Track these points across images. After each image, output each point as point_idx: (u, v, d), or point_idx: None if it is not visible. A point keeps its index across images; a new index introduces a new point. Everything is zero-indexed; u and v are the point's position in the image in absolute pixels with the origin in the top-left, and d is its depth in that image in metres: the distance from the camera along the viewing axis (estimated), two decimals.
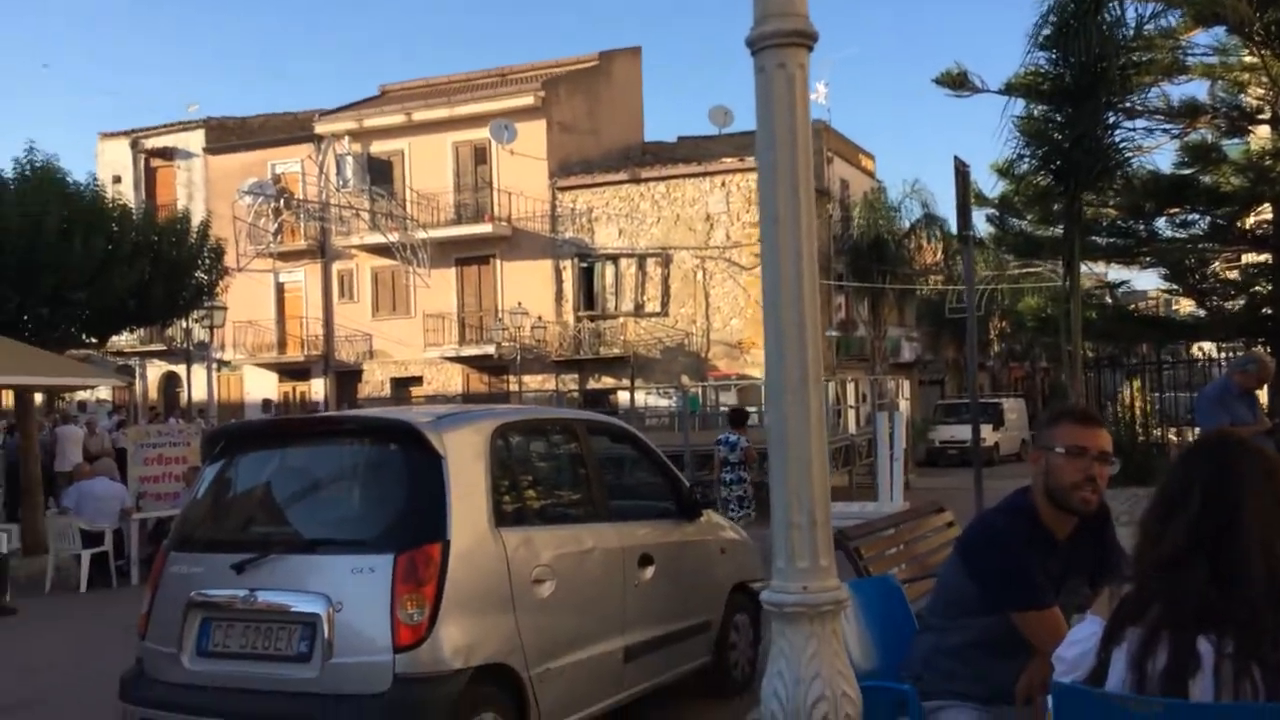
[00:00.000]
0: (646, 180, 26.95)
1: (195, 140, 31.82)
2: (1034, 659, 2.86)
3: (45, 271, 13.05)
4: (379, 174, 28.93)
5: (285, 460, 4.91)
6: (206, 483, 4.86)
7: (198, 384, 28.08)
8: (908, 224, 28.52)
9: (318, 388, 30.42)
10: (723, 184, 26.31)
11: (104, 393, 27.94)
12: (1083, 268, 15.08)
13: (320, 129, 29.78)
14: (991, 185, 15.85)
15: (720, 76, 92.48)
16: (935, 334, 35.17)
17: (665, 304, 26.71)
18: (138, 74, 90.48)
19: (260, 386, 31.09)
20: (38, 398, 16.71)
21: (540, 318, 27.38)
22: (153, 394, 31.67)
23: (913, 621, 3.73)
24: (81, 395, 25.42)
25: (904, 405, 22.70)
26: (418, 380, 29.16)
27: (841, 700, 2.25)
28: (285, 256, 29.80)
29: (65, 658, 8.29)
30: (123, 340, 26.23)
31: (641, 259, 26.88)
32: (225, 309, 21.58)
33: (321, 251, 29.91)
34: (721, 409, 24.70)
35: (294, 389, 30.95)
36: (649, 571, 5.43)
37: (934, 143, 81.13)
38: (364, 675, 4.05)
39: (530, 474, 5.25)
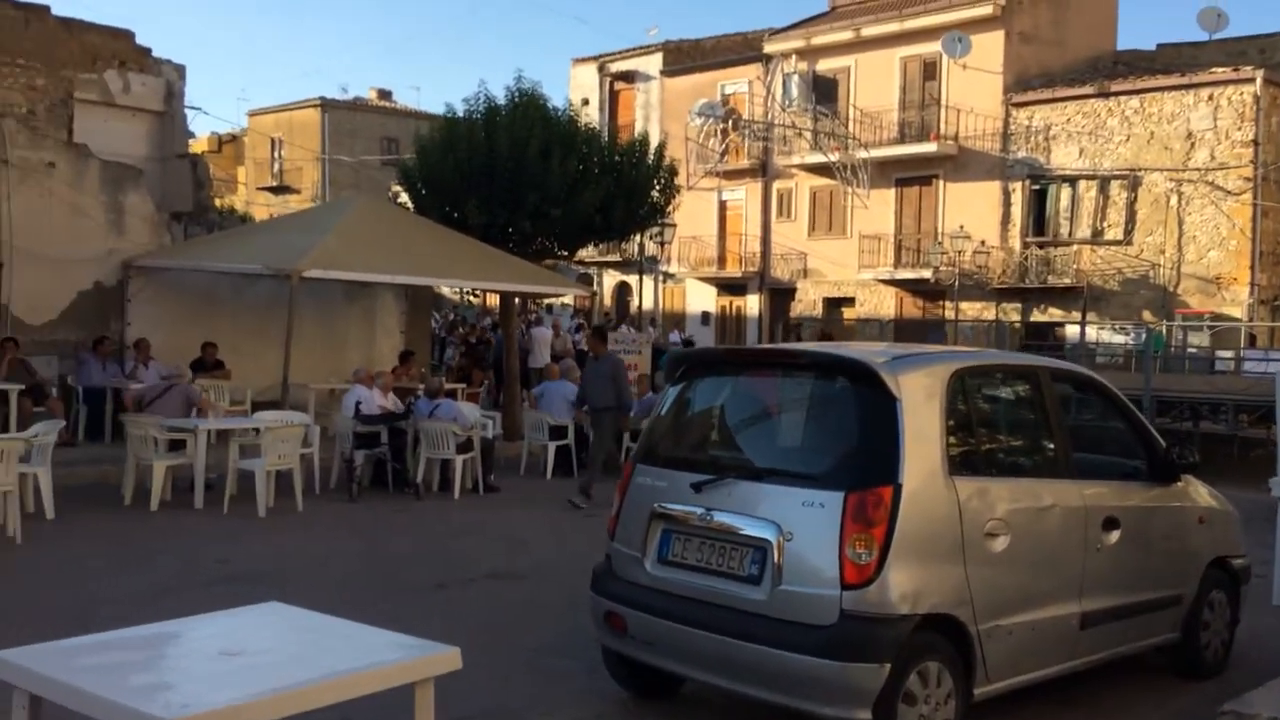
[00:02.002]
0: (1117, 94, 24.30)
1: (654, 63, 33.62)
2: None
3: (529, 190, 14.52)
4: (824, 92, 28.80)
5: (740, 388, 5.07)
6: (669, 402, 5.16)
7: (646, 294, 30.19)
8: None
9: (752, 304, 31.42)
10: (1210, 97, 23.05)
11: (567, 298, 30.97)
12: None
13: (769, 48, 30.15)
14: None
15: None
16: None
17: (1129, 231, 24.19)
18: (606, 4, 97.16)
19: (700, 299, 32.75)
20: (515, 301, 18.83)
21: (983, 242, 26.01)
22: (607, 301, 34.52)
23: None
24: (549, 300, 28.37)
25: None
26: (850, 301, 29.09)
27: None
28: (728, 175, 30.80)
29: (539, 535, 9.40)
30: (583, 251, 28.84)
31: (1104, 181, 24.47)
32: (675, 226, 22.87)
33: (763, 170, 30.54)
34: (1189, 350, 22.15)
35: (730, 303, 32.23)
36: (1114, 535, 5.00)
37: None
38: (811, 606, 4.13)
39: (987, 422, 5.00)
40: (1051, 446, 5.03)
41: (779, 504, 4.33)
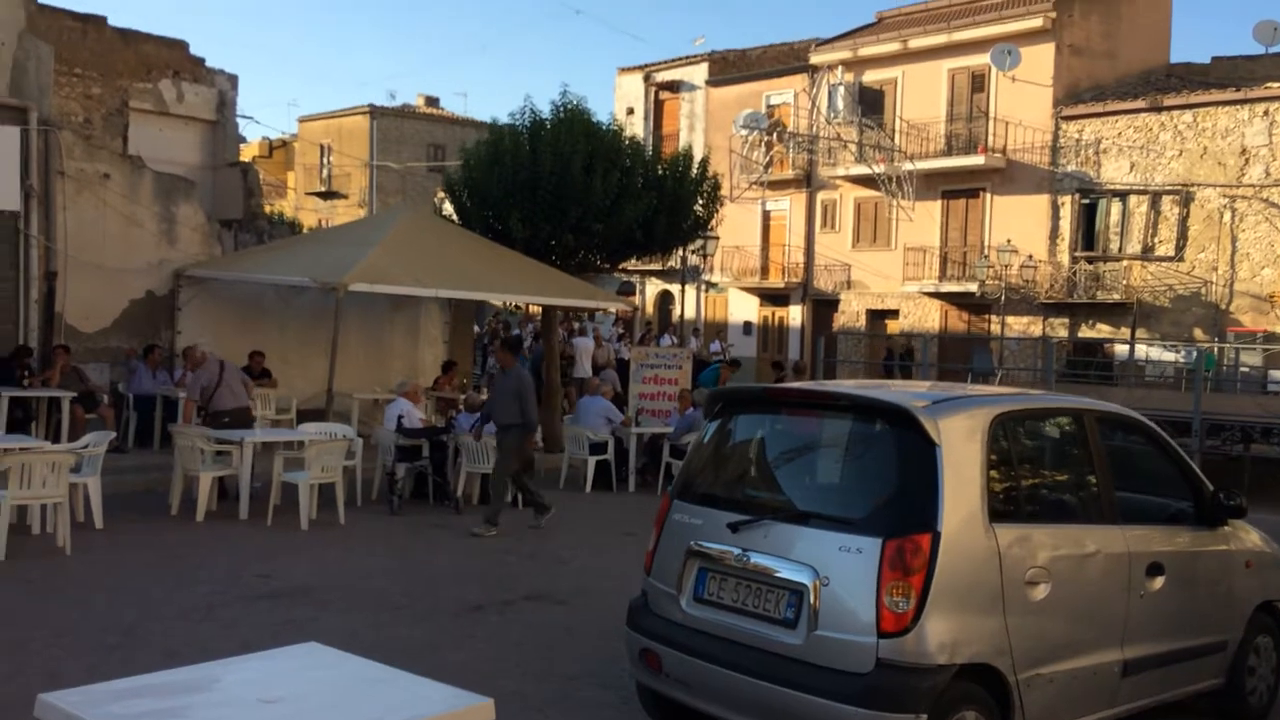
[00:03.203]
0: (1169, 108, 23.87)
1: (699, 73, 33.60)
2: None
3: (571, 204, 14.58)
4: (870, 104, 28.62)
5: (778, 427, 5.05)
6: (707, 439, 5.15)
7: (688, 303, 30.18)
8: None
9: (795, 315, 31.27)
10: (1265, 112, 22.58)
11: (609, 308, 31.01)
12: None
13: (815, 59, 30.01)
14: None
15: None
16: None
17: (1180, 247, 23.76)
18: (654, 13, 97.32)
19: (743, 309, 32.66)
20: (557, 311, 18.89)
21: (1031, 256, 25.69)
22: (649, 309, 34.53)
23: None
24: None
25: None
26: (894, 314, 28.86)
27: None
28: (772, 185, 30.69)
29: (577, 554, 9.42)
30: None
31: (1155, 196, 24.08)
32: (718, 239, 22.83)
33: (807, 181, 30.39)
34: (1242, 369, 21.71)
35: (773, 314, 32.11)
36: (1158, 581, 4.93)
37: None
38: (847, 652, 4.10)
39: (1029, 467, 4.93)
40: (1095, 491, 4.95)
41: (816, 547, 4.30)
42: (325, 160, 45.44)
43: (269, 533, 9.65)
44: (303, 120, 46.75)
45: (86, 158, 14.10)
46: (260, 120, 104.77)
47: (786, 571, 4.34)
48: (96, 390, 13.04)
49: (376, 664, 3.36)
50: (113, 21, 17.55)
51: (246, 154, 34.69)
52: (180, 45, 18.63)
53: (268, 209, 31.94)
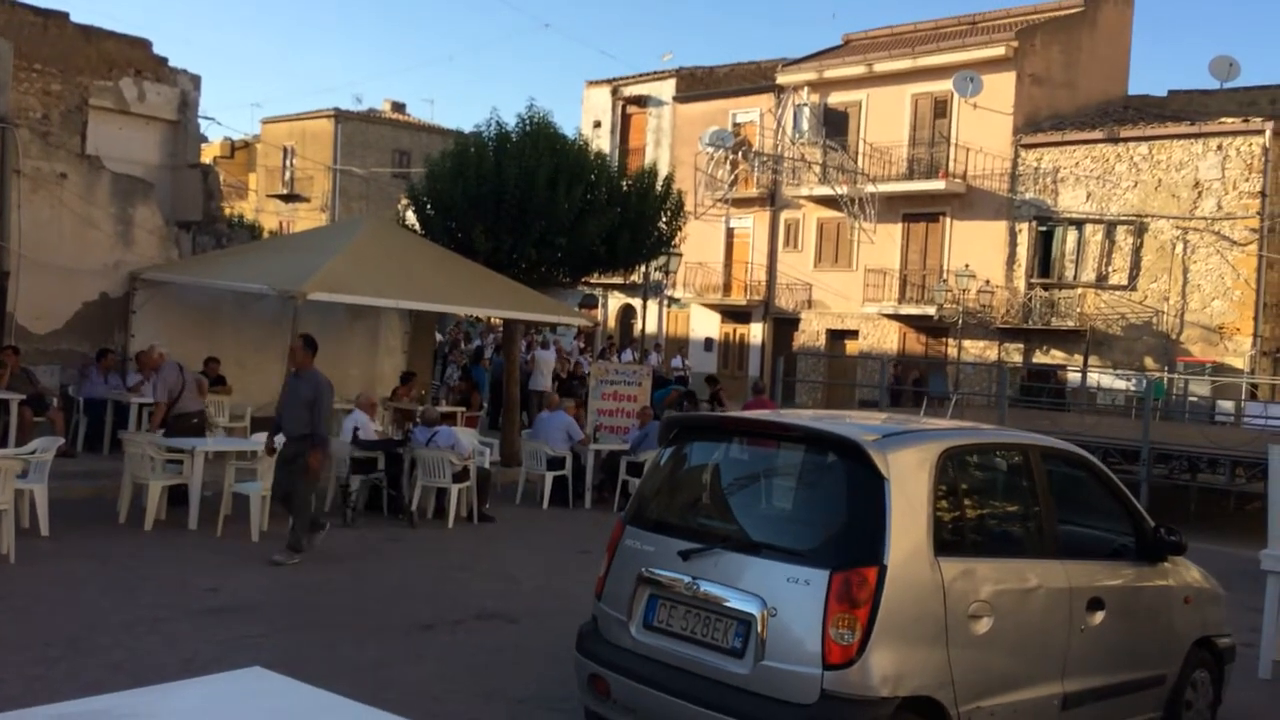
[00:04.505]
0: (1126, 139, 24.38)
1: (666, 89, 33.78)
2: None
3: (535, 218, 14.58)
4: (834, 125, 28.92)
5: (731, 455, 5.09)
6: (660, 465, 5.18)
7: (650, 317, 30.21)
8: None
9: (756, 332, 31.46)
10: (1219, 147, 23.13)
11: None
12: None
13: (782, 79, 30.28)
14: None
15: (1227, 20, 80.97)
16: None
17: (1133, 277, 24.23)
18: (623, 29, 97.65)
19: (704, 325, 32.80)
20: (519, 324, 18.82)
21: (988, 281, 26.08)
22: (611, 323, 34.56)
23: None
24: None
25: None
26: (853, 334, 29.14)
27: None
28: (737, 203, 30.90)
29: (530, 572, 9.38)
30: None
31: (1110, 226, 24.54)
32: (681, 255, 22.91)
33: (771, 200, 30.63)
34: (1191, 399, 22.15)
35: (734, 331, 32.28)
36: (1098, 616, 5.02)
37: None
38: (793, 684, 4.14)
39: (975, 501, 5.01)
40: (1039, 526, 5.04)
41: (764, 578, 4.34)
42: (288, 163, 45.02)
43: (218, 544, 9.53)
44: (266, 122, 46.33)
45: (44, 156, 13.89)
46: (222, 121, 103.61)
47: (735, 601, 4.37)
48: (46, 393, 12.82)
49: (323, 692, 3.33)
50: (75, 18, 17.32)
51: (208, 154, 34.31)
52: (143, 44, 18.40)
53: (228, 210, 31.61)
